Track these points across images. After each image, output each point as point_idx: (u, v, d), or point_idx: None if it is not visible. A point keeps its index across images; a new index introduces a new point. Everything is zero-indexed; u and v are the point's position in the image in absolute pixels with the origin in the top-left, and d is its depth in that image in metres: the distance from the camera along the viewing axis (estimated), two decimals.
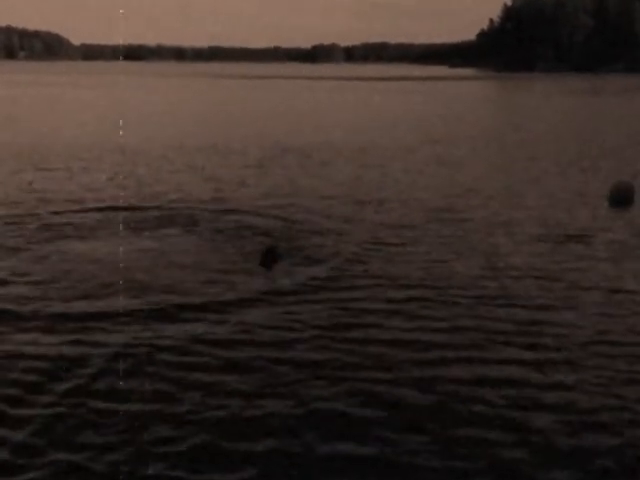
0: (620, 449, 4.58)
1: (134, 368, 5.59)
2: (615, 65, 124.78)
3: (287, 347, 6.03)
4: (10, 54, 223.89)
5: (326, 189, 13.66)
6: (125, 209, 11.56)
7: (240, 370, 5.58)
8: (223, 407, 5.01)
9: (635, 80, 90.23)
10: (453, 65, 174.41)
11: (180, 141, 21.55)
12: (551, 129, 27.46)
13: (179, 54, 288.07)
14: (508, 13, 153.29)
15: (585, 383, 5.47)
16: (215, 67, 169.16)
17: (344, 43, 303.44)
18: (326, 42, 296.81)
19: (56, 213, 11.23)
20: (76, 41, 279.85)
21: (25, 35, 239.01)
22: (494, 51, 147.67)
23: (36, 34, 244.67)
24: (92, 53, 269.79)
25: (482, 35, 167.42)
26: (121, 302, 7.04)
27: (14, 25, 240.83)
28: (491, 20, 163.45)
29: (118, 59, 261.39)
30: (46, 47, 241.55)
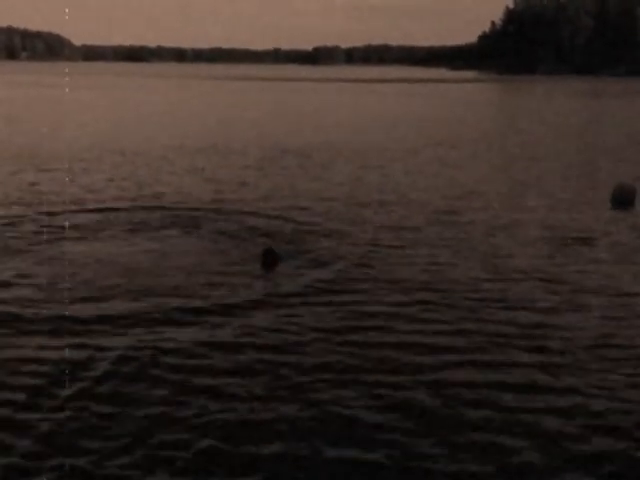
0: (627, 453, 4.52)
1: (138, 372, 5.53)
2: (617, 68, 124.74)
3: (290, 350, 5.97)
4: (12, 54, 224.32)
5: (327, 190, 13.61)
6: (126, 210, 11.51)
7: (244, 374, 5.53)
8: (228, 411, 4.96)
9: (636, 83, 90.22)
10: (454, 67, 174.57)
11: (180, 142, 21.51)
12: (552, 131, 27.41)
13: (180, 55, 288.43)
14: (510, 16, 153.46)
15: (591, 386, 5.41)
16: (216, 68, 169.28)
17: (345, 45, 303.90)
18: (327, 44, 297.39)
19: (57, 214, 11.19)
20: (77, 42, 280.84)
21: (27, 36, 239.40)
22: (496, 53, 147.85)
23: (38, 35, 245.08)
24: (93, 54, 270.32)
25: (484, 37, 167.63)
26: (124, 305, 6.98)
27: (16, 26, 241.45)
28: (493, 23, 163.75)
29: (119, 60, 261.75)
30: (48, 48, 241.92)
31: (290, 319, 6.70)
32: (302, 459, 4.41)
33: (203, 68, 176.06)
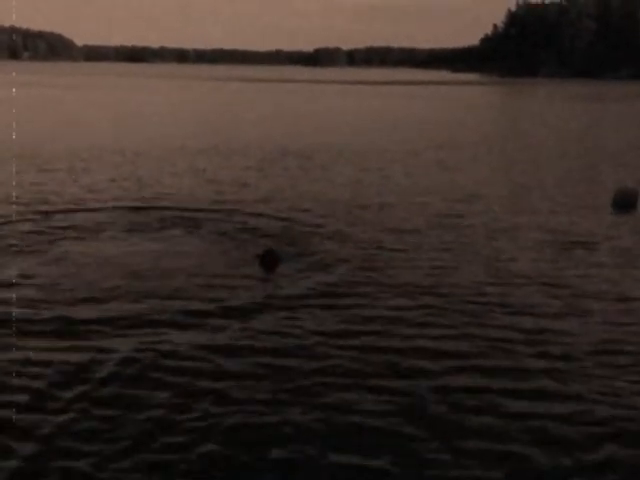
0: (633, 460, 4.48)
1: (140, 375, 5.49)
2: (619, 71, 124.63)
3: (292, 354, 5.93)
4: (14, 54, 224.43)
5: (327, 192, 13.59)
6: (127, 211, 11.50)
7: (246, 377, 5.48)
8: (231, 414, 4.92)
9: (638, 87, 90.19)
10: (456, 70, 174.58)
11: (181, 143, 21.50)
12: (554, 134, 27.39)
13: (181, 56, 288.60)
14: (512, 19, 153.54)
15: (595, 393, 5.37)
16: (217, 69, 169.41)
17: (347, 46, 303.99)
18: (329, 45, 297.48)
19: (58, 214, 11.17)
20: (79, 42, 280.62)
21: (29, 35, 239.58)
22: (497, 56, 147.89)
23: (40, 35, 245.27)
24: (95, 54, 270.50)
25: (486, 40, 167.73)
26: (124, 307, 6.93)
27: (18, 25, 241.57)
28: (495, 25, 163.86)
29: (121, 60, 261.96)
30: (50, 48, 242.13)
31: (291, 322, 6.66)
32: (305, 464, 4.37)
33: (205, 69, 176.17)
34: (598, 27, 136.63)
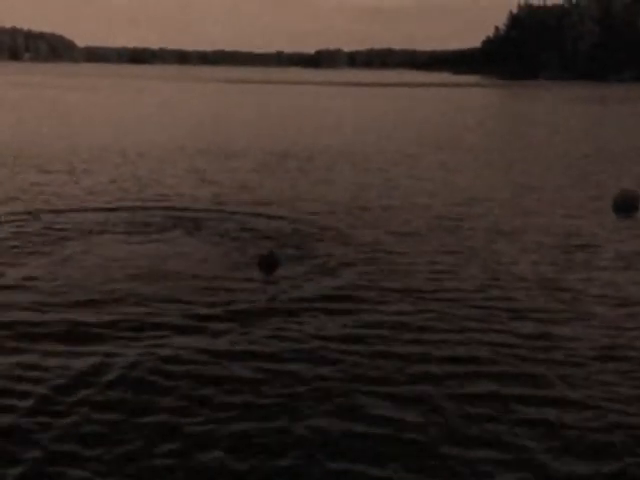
0: (636, 469, 4.44)
1: (143, 380, 5.43)
2: (622, 74, 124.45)
3: (294, 359, 5.86)
4: (15, 55, 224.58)
5: (329, 194, 13.56)
6: (127, 212, 11.48)
7: (248, 383, 5.43)
8: (234, 421, 4.87)
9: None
10: (457, 72, 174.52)
11: (182, 144, 21.49)
12: (555, 136, 27.36)
13: (182, 57, 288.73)
14: (513, 21, 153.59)
15: (599, 399, 5.32)
16: (218, 71, 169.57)
17: (348, 48, 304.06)
18: (330, 47, 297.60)
19: (58, 216, 11.16)
20: (81, 43, 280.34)
21: (30, 36, 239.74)
22: (498, 58, 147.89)
23: (41, 36, 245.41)
24: (96, 55, 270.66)
25: (487, 42, 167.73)
26: (126, 312, 6.87)
27: (19, 26, 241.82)
28: (496, 28, 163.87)
29: (122, 62, 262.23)
30: (51, 49, 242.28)
31: (292, 326, 6.60)
32: (310, 472, 4.33)
33: (206, 70, 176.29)
34: (600, 30, 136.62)
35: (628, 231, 11.06)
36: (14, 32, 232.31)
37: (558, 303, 7.48)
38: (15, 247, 9.20)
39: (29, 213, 11.23)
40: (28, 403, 5.06)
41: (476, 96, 67.84)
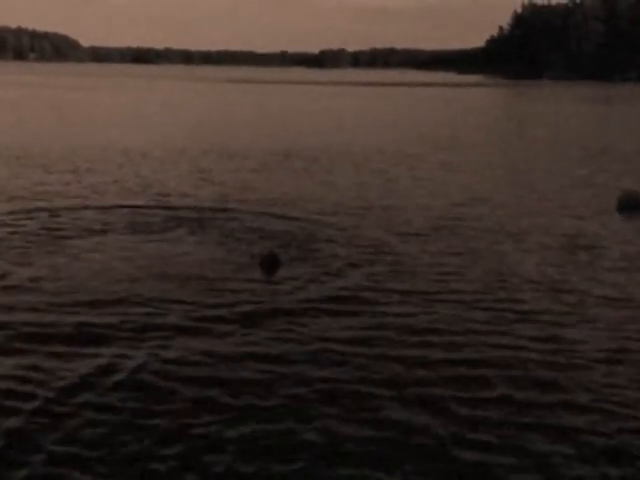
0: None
1: (145, 383, 5.39)
2: (627, 73, 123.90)
3: (298, 362, 5.80)
4: (19, 55, 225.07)
5: (332, 194, 13.54)
6: (129, 212, 11.47)
7: (252, 386, 5.38)
8: (237, 424, 4.83)
9: None
10: (461, 71, 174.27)
11: (185, 144, 21.49)
12: (559, 136, 27.30)
13: (187, 57, 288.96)
14: (517, 20, 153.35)
15: (602, 402, 5.27)
16: (222, 71, 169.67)
17: (351, 48, 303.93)
18: (333, 47, 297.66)
19: (61, 215, 11.16)
20: (85, 43, 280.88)
21: (35, 36, 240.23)
22: (502, 58, 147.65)
23: (46, 35, 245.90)
24: (101, 55, 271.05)
25: (491, 42, 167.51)
26: (129, 313, 6.81)
27: (24, 26, 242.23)
28: (500, 27, 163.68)
29: (126, 61, 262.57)
30: (55, 49, 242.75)
31: (295, 328, 6.55)
32: (317, 475, 4.29)
33: (210, 70, 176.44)
34: (605, 29, 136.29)
35: (633, 231, 11.01)
36: (19, 32, 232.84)
37: (564, 305, 7.41)
38: (17, 247, 9.17)
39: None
40: (32, 405, 5.02)
41: (480, 96, 67.72)
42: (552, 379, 5.64)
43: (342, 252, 9.21)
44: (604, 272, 8.67)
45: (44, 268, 8.25)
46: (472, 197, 13.54)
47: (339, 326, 6.65)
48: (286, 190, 13.90)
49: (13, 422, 4.81)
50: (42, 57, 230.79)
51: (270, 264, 8.32)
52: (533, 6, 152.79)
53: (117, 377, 5.48)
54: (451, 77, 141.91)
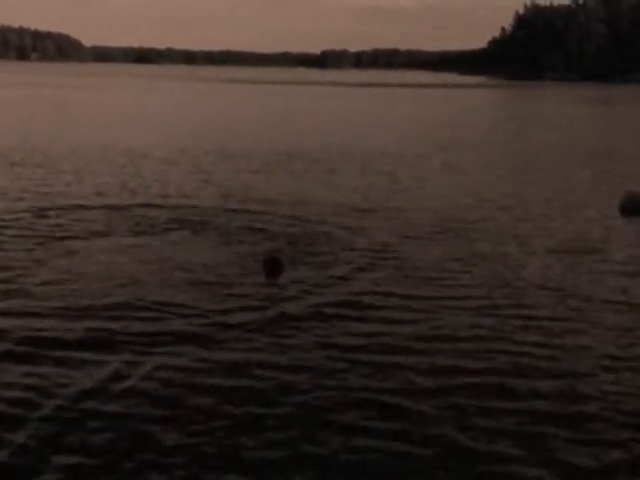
0: None
1: (152, 392, 5.33)
2: (628, 75, 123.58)
3: (301, 371, 5.75)
4: (22, 55, 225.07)
5: (335, 196, 13.50)
6: (130, 213, 11.46)
7: (259, 395, 5.33)
8: (245, 434, 4.78)
9: None
10: (463, 72, 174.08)
11: (187, 144, 21.48)
12: (562, 138, 27.25)
13: (189, 58, 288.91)
14: (520, 22, 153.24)
15: (613, 412, 5.21)
16: (224, 71, 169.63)
17: (354, 49, 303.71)
18: (336, 47, 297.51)
19: (62, 215, 11.16)
20: (88, 43, 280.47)
21: (37, 36, 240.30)
22: (505, 59, 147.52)
23: (48, 35, 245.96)
24: (103, 55, 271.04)
25: (493, 43, 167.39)
26: (132, 321, 6.73)
27: (26, 26, 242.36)
28: (503, 28, 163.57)
29: (129, 61, 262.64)
30: (58, 48, 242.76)
31: (300, 335, 6.48)
32: None
33: (212, 70, 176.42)
34: (607, 30, 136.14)
35: (636, 234, 10.98)
36: (21, 32, 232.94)
37: (569, 309, 7.36)
38: (20, 250, 9.13)
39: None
40: (39, 413, 4.98)
41: (482, 97, 67.67)
42: (559, 387, 5.57)
43: (346, 255, 9.16)
44: (609, 275, 8.61)
45: (48, 272, 8.17)
46: (476, 199, 13.51)
47: (345, 332, 6.58)
48: (289, 191, 13.87)
49: (20, 430, 4.76)
50: (44, 57, 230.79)
51: (272, 267, 8.24)
52: (535, 7, 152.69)
53: (123, 385, 5.41)
54: (453, 78, 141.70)
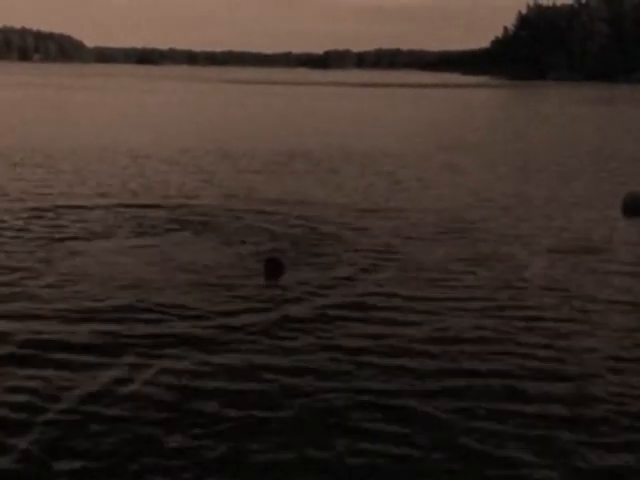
0: None
1: (156, 396, 5.28)
2: (631, 75, 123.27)
3: (306, 374, 5.70)
4: (24, 56, 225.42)
5: (337, 196, 13.47)
6: (133, 213, 11.44)
7: (263, 398, 5.29)
8: (250, 438, 4.75)
9: None
10: (465, 72, 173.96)
11: (190, 144, 21.47)
12: (564, 137, 27.20)
13: (191, 58, 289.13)
14: (522, 22, 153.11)
15: (621, 415, 5.17)
16: (227, 71, 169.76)
17: (356, 49, 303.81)
18: (338, 48, 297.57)
19: (63, 216, 11.14)
20: (90, 43, 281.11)
21: (40, 37, 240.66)
22: (507, 59, 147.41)
23: (50, 36, 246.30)
24: (105, 56, 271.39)
25: (496, 43, 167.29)
26: (134, 324, 6.69)
27: (28, 27, 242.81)
28: (505, 28, 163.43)
29: (131, 62, 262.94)
30: (60, 49, 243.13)
31: (305, 338, 6.44)
32: None
33: (215, 71, 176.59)
34: (611, 30, 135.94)
35: (638, 234, 10.93)
36: (23, 32, 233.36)
37: (573, 311, 7.32)
38: (22, 252, 9.10)
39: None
40: (44, 417, 4.95)
41: (484, 97, 67.60)
42: (566, 389, 5.53)
43: (349, 256, 9.12)
44: (613, 276, 8.56)
45: (50, 274, 8.13)
46: (478, 199, 13.47)
47: (349, 334, 6.54)
48: (290, 191, 13.84)
49: (24, 434, 4.74)
50: (47, 58, 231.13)
51: (273, 269, 8.20)
52: (538, 7, 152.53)
53: (127, 388, 5.37)
54: (456, 78, 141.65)
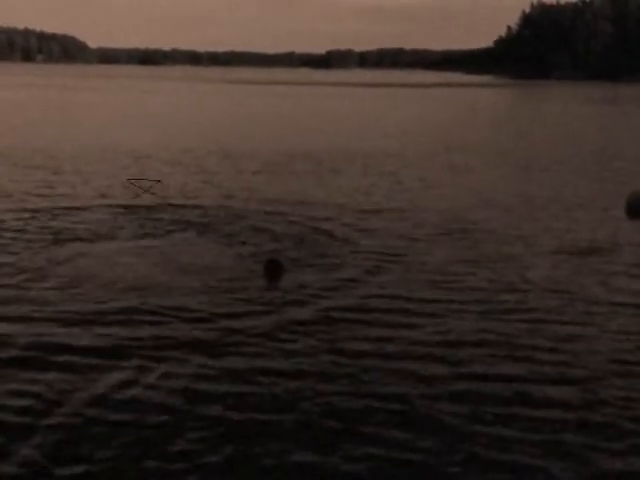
0: None
1: (159, 400, 5.24)
2: (635, 74, 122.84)
3: (309, 378, 5.64)
4: (27, 56, 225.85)
5: (338, 197, 13.44)
6: (135, 213, 11.43)
7: (267, 403, 5.25)
8: (253, 443, 4.71)
9: None
10: (469, 72, 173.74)
11: (191, 145, 21.46)
12: (567, 137, 27.13)
13: (194, 58, 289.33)
14: (526, 21, 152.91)
15: (627, 419, 5.13)
16: (229, 72, 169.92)
17: (359, 48, 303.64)
18: (340, 47, 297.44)
19: (64, 217, 11.13)
20: (93, 44, 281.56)
21: (43, 38, 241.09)
22: (511, 58, 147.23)
23: (54, 37, 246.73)
24: (108, 57, 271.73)
25: (500, 42, 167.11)
26: (139, 327, 6.64)
27: (32, 27, 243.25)
28: (509, 27, 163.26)
29: (134, 63, 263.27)
30: (63, 50, 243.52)
31: (308, 341, 6.38)
32: None
33: (217, 71, 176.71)
34: (615, 29, 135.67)
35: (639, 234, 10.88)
36: (27, 33, 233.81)
37: (577, 313, 7.26)
38: (24, 253, 9.09)
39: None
40: (47, 421, 4.92)
41: (488, 96, 67.49)
42: (572, 393, 5.49)
43: (351, 257, 9.08)
44: (616, 277, 8.51)
45: (52, 276, 8.09)
46: (481, 199, 13.42)
47: (353, 337, 6.49)
48: (293, 192, 13.82)
49: (27, 438, 4.72)
50: (50, 58, 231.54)
51: (273, 270, 8.15)
52: (542, 6, 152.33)
53: (130, 392, 5.34)
54: (459, 77, 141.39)
